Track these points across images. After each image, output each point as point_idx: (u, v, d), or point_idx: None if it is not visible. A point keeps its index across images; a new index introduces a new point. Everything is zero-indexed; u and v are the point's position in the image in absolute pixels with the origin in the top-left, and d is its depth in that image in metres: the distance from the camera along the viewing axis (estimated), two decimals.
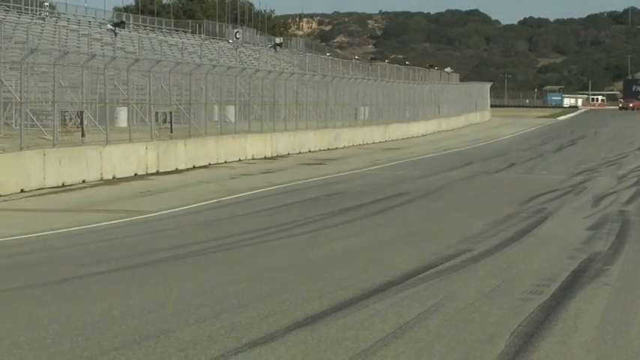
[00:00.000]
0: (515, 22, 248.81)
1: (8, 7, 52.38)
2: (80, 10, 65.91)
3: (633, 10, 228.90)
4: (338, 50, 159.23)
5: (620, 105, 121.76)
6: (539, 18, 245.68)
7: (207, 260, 12.15)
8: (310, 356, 7.19)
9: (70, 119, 34.43)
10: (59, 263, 11.83)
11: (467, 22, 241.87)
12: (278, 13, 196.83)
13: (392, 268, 11.28)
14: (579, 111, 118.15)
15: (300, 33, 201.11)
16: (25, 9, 54.70)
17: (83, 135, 26.02)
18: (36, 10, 55.10)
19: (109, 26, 38.57)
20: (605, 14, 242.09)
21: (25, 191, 22.02)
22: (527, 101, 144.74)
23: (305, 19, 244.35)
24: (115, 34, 35.41)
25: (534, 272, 11.18)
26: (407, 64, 73.85)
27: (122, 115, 35.58)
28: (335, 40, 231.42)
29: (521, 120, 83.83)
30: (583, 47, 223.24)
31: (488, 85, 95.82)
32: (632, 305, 9.54)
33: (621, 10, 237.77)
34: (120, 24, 36.68)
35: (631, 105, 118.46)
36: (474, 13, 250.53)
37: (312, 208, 19.02)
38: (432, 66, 75.64)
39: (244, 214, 18.02)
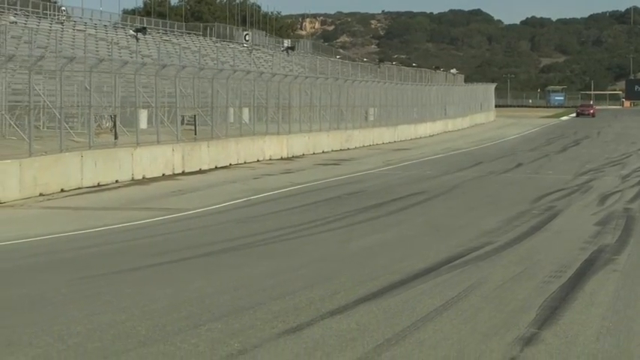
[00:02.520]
0: (518, 22, 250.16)
1: (27, 12, 53.90)
2: (91, 14, 67.38)
3: (635, 9, 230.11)
4: (341, 50, 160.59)
5: (578, 111, 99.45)
6: (541, 18, 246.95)
7: (259, 251, 13.70)
8: (382, 322, 8.86)
9: (95, 121, 35.94)
10: (130, 254, 13.37)
11: (469, 21, 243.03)
12: (280, 12, 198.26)
13: (425, 257, 12.86)
14: None
15: (304, 33, 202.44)
16: (44, 13, 56.22)
17: (116, 137, 27.50)
18: (54, 15, 56.61)
19: (132, 32, 40.03)
20: (607, 14, 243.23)
21: (65, 191, 23.45)
22: (530, 101, 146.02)
23: (308, 19, 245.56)
24: (138, 39, 36.86)
25: (551, 261, 12.74)
26: (414, 66, 75.32)
27: (142, 118, 37.11)
28: (338, 40, 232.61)
29: (524, 120, 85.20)
30: (585, 47, 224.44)
31: (492, 86, 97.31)
32: (639, 287, 11.13)
33: (623, 10, 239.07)
34: (142, 30, 38.09)
35: (591, 111, 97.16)
36: (477, 13, 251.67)
37: (338, 206, 20.44)
38: (437, 67, 77.09)
39: (276, 212, 19.46)
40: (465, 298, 9.96)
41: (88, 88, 28.19)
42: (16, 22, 37.63)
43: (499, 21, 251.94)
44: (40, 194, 22.56)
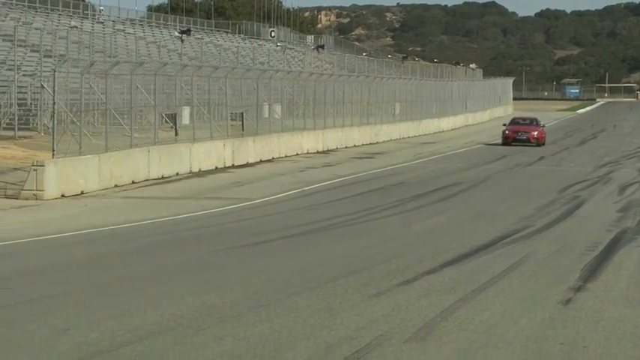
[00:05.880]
0: (532, 14, 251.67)
1: (70, 12, 56.67)
2: (127, 13, 70.15)
3: None
4: (356, 43, 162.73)
5: (506, 133, 45.93)
6: (555, 10, 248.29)
7: (337, 233, 16.46)
8: (467, 278, 11.77)
9: (144, 118, 38.63)
10: (234, 235, 16.09)
11: (484, 14, 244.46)
12: (297, 6, 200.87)
13: (480, 237, 15.59)
14: (597, 104, 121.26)
15: (319, 26, 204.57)
16: (85, 13, 59.01)
17: (176, 134, 30.12)
18: (94, 15, 59.40)
19: (177, 34, 42.72)
20: (622, 5, 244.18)
21: (135, 182, 25.93)
22: (546, 94, 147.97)
23: (323, 12, 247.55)
24: (182, 41, 39.51)
25: (584, 239, 15.60)
26: (435, 62, 77.82)
27: (185, 114, 39.78)
28: (353, 33, 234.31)
29: (541, 114, 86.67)
30: (600, 39, 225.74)
31: (510, 80, 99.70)
32: None
33: (638, 2, 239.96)
34: (187, 31, 40.70)
35: (535, 134, 45.48)
36: (491, 5, 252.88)
37: (385, 196, 22.95)
38: (457, 63, 79.58)
39: (333, 201, 21.99)
40: (523, 264, 12.92)
41: (139, 87, 30.75)
42: (76, 27, 40.35)
43: (513, 13, 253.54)
44: (115, 185, 25.06)
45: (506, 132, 45.81)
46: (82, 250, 14.52)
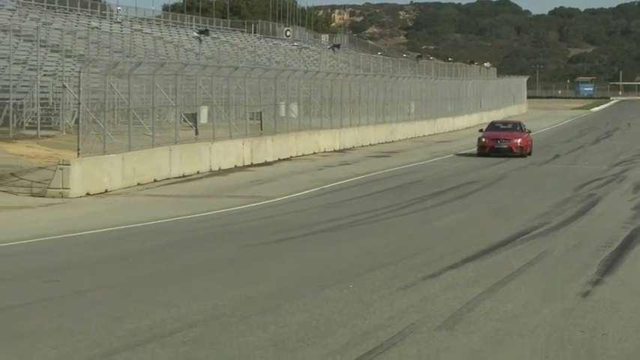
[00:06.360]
0: (546, 12, 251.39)
1: (88, 12, 57.34)
2: (144, 13, 70.77)
3: None
4: (370, 41, 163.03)
5: (483, 140, 36.88)
6: (569, 8, 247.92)
7: (359, 230, 16.97)
8: (489, 272, 12.29)
9: (164, 118, 39.18)
10: (258, 232, 16.55)
11: (497, 12, 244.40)
12: (310, 4, 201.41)
13: (499, 233, 16.05)
14: (611, 102, 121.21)
15: (333, 25, 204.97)
16: (103, 13, 59.69)
17: (197, 133, 30.63)
18: (113, 16, 60.05)
19: (195, 34, 43.26)
20: (636, 3, 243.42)
21: (157, 181, 26.43)
22: (560, 92, 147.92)
23: (337, 11, 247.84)
24: (200, 41, 40.02)
25: (600, 236, 16.06)
26: (449, 60, 78.16)
27: (204, 114, 40.30)
28: (366, 32, 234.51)
29: (555, 112, 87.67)
30: (613, 37, 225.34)
31: (524, 79, 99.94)
32: None
33: None
34: (205, 32, 41.21)
35: (518, 142, 36.55)
36: (505, 4, 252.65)
37: (403, 194, 23.38)
38: (472, 61, 79.91)
39: (352, 199, 22.44)
40: (542, 259, 13.46)
41: (158, 87, 31.26)
42: (97, 28, 40.91)
43: (527, 11, 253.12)
44: (138, 184, 25.54)
45: (483, 139, 36.87)
46: (111, 247, 15.08)
